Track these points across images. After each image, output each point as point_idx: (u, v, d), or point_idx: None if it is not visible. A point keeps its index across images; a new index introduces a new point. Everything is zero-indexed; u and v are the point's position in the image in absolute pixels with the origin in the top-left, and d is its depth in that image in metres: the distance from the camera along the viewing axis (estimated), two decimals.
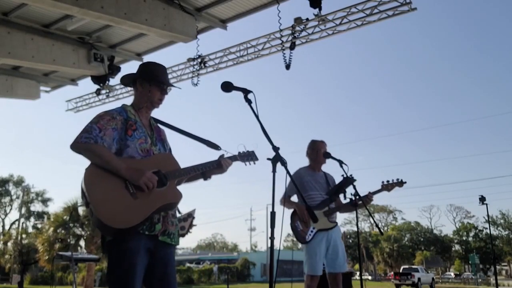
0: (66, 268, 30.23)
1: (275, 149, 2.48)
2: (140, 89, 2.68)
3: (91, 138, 2.37)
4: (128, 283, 2.31)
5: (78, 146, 2.38)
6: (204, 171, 2.72)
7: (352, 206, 4.52)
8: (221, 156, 2.78)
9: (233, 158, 2.83)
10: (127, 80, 2.78)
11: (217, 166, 2.73)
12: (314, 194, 4.68)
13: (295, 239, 4.75)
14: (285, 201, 4.50)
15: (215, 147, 2.84)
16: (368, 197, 4.64)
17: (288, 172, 2.53)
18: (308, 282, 4.47)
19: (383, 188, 4.70)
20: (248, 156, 2.86)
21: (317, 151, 4.78)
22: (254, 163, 2.87)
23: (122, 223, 2.27)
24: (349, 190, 4.67)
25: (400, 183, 4.67)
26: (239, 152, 2.84)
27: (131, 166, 2.40)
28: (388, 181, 4.69)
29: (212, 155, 2.77)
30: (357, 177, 4.39)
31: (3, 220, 49.79)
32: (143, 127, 2.63)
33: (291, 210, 4.69)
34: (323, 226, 4.58)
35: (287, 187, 4.31)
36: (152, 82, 2.66)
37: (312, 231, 4.53)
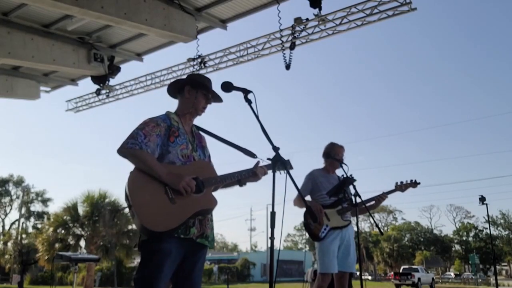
0: (66, 268, 30.26)
1: (275, 149, 2.49)
2: (187, 96, 2.81)
3: (136, 144, 2.51)
4: (153, 283, 2.40)
5: (124, 151, 2.53)
6: (239, 178, 2.80)
7: (353, 206, 4.53)
8: (257, 164, 2.83)
9: (269, 167, 2.85)
10: (174, 87, 2.89)
11: (252, 174, 2.81)
12: (325, 194, 4.70)
13: (308, 236, 4.73)
14: (299, 200, 4.46)
15: (252, 155, 2.87)
16: (382, 197, 4.68)
17: (288, 172, 2.53)
18: (319, 280, 4.45)
19: (397, 189, 4.73)
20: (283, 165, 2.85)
21: (335, 155, 4.77)
22: (285, 172, 2.91)
23: (160, 226, 2.40)
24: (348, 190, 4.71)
25: (414, 184, 4.71)
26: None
27: (171, 172, 2.52)
28: (402, 182, 4.72)
29: (247, 161, 2.84)
30: (357, 177, 4.40)
31: (3, 220, 49.81)
32: (185, 134, 2.76)
33: (302, 209, 4.70)
34: (336, 224, 4.57)
35: (301, 188, 4.38)
36: (199, 89, 2.80)
37: (325, 229, 4.52)
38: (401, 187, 4.70)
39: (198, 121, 2.92)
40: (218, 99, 2.90)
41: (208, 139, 2.97)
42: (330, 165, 4.85)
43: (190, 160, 2.68)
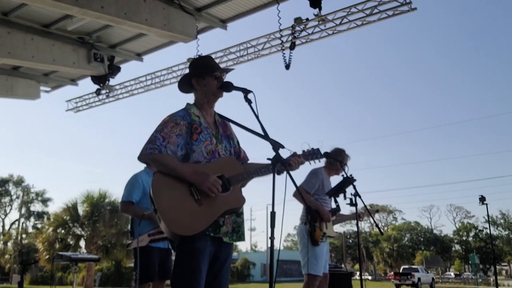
0: (66, 268, 30.24)
1: (276, 148, 2.48)
2: (198, 87, 2.71)
3: (155, 149, 2.45)
4: (193, 282, 2.35)
5: (144, 158, 2.49)
6: (269, 173, 2.60)
7: (352, 206, 4.58)
8: (293, 154, 2.63)
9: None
10: (183, 85, 2.78)
11: (288, 165, 2.58)
12: (327, 200, 4.76)
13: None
14: (305, 195, 4.43)
15: (279, 145, 2.58)
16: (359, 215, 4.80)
17: (288, 172, 2.52)
18: (314, 282, 4.52)
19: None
20: (313, 155, 2.74)
21: (343, 163, 4.79)
22: (319, 161, 2.74)
23: (188, 230, 2.34)
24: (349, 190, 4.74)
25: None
26: (303, 151, 2.73)
27: (196, 170, 2.45)
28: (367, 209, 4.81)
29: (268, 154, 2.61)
30: (359, 177, 4.43)
31: (3, 220, 49.88)
32: (208, 128, 2.64)
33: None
34: (330, 234, 4.76)
35: (308, 183, 4.48)
36: (204, 74, 2.68)
37: (323, 236, 4.64)
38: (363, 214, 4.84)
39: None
40: (227, 70, 2.78)
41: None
42: (334, 171, 4.90)
43: (215, 157, 2.58)
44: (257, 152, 2.66)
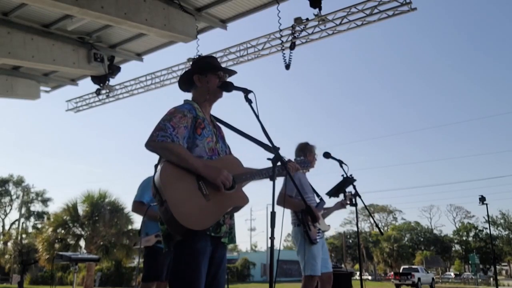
0: (66, 268, 30.26)
1: (275, 149, 2.48)
2: (199, 84, 2.67)
3: (168, 137, 2.34)
4: (196, 283, 2.31)
5: (154, 144, 2.35)
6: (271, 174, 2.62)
7: (352, 205, 4.57)
8: (288, 161, 2.71)
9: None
10: (183, 81, 2.75)
11: (284, 169, 2.62)
12: (311, 197, 4.71)
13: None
14: (292, 200, 4.44)
15: (273, 150, 2.65)
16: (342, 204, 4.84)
17: (288, 172, 2.53)
18: (312, 282, 4.48)
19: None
20: (304, 163, 2.99)
21: (314, 154, 4.78)
22: (308, 170, 2.87)
23: (197, 225, 2.28)
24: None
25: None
26: (295, 159, 2.90)
27: (208, 164, 2.41)
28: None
29: (266, 156, 2.63)
30: (359, 177, 4.42)
31: (3, 220, 49.85)
32: (210, 125, 2.62)
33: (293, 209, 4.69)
34: (323, 228, 4.70)
35: (287, 187, 4.30)
36: (207, 71, 2.66)
37: (319, 233, 4.58)
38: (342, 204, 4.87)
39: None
40: (231, 72, 2.76)
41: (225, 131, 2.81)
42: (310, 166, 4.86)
43: (215, 154, 2.55)
44: (256, 151, 2.66)
